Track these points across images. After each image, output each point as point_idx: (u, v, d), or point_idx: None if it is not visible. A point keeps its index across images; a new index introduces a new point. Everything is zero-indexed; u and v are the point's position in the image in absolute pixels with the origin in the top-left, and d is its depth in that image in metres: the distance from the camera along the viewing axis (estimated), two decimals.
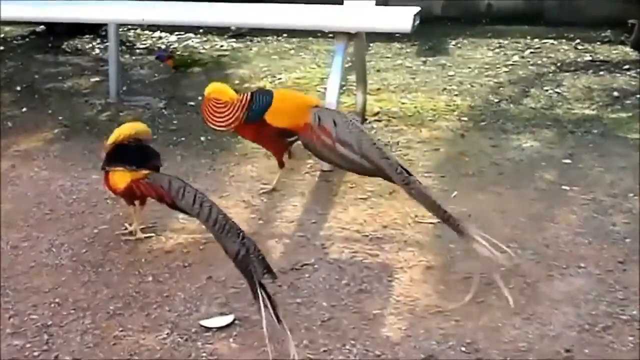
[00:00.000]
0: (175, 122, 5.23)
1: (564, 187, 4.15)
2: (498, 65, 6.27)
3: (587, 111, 5.26)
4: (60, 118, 5.31)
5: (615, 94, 5.56)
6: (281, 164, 4.13)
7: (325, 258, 3.50)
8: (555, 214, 3.87)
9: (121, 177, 3.49)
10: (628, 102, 5.40)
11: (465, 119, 5.20)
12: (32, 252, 3.59)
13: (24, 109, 5.48)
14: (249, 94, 4.01)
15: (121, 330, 3.02)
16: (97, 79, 6.14)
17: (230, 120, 3.96)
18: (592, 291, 3.23)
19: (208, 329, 3.01)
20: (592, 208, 3.91)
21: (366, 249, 3.58)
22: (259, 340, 2.93)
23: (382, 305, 3.16)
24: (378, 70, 6.22)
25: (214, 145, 4.80)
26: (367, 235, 3.69)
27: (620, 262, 3.43)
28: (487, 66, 6.26)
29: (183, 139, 4.94)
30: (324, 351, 2.88)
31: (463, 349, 2.89)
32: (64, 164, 4.55)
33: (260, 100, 3.97)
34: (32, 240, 3.69)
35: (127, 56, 6.69)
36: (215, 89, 4.02)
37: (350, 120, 3.78)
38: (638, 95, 5.49)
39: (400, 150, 4.66)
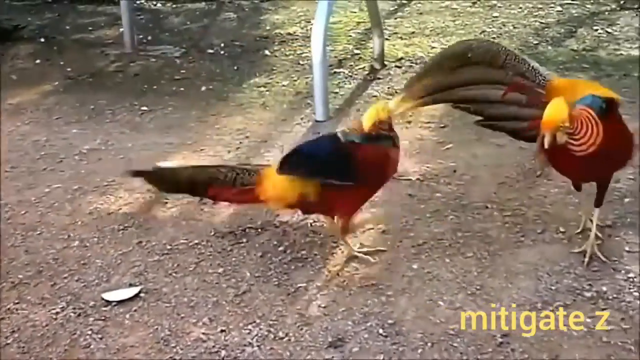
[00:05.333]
0: (183, 71, 4.92)
1: None
2: (552, 4, 5.65)
3: (634, 52, 4.65)
4: (68, 69, 5.06)
5: None
6: None
7: (274, 221, 3.12)
8: (552, 172, 3.35)
9: None
10: None
11: None
12: None
13: (38, 61, 5.25)
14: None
15: (17, 303, 2.73)
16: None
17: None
18: (560, 260, 2.76)
19: (108, 302, 2.70)
20: None
21: None
22: (156, 317, 2.60)
23: (310, 277, 2.76)
24: (420, 13, 5.72)
25: (212, 95, 4.48)
26: None
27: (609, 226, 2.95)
28: (539, 5, 5.65)
29: (182, 89, 4.63)
30: (222, 331, 2.52)
31: (381, 330, 2.48)
32: (49, 118, 4.30)
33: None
34: None
35: (163, 4, 6.39)
36: None
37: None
38: None
39: None
